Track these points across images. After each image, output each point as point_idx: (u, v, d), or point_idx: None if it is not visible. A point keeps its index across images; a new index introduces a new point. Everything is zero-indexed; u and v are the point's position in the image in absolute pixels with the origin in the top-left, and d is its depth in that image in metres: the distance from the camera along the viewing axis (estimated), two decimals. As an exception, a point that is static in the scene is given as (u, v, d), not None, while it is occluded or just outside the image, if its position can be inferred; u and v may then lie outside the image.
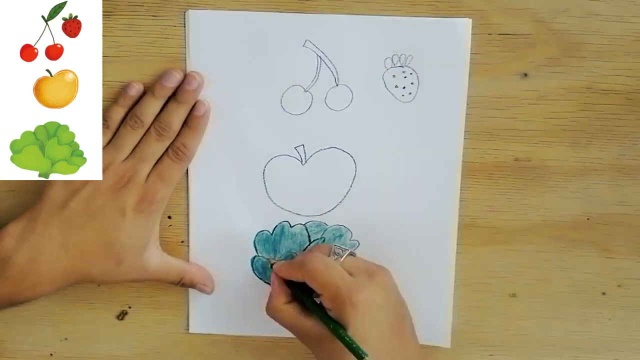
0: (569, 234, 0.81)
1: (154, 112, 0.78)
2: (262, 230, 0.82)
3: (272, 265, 0.81)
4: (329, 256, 0.77)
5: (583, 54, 0.77)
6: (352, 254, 0.78)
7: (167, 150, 0.78)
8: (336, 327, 0.72)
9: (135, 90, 0.78)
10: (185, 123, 0.78)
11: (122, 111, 0.78)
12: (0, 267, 0.76)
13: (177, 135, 0.78)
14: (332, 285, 0.74)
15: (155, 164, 0.78)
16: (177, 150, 0.78)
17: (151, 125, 0.77)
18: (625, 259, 0.81)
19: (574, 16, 0.76)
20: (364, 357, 0.69)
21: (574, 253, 0.81)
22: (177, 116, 0.77)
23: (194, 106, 0.78)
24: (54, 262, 0.77)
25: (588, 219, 0.80)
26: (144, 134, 0.78)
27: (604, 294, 0.82)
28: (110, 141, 0.78)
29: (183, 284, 0.82)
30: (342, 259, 0.76)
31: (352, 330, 0.71)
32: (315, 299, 0.76)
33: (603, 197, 0.80)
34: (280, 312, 0.78)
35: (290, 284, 0.78)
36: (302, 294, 0.77)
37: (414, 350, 0.76)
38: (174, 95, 0.78)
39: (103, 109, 0.77)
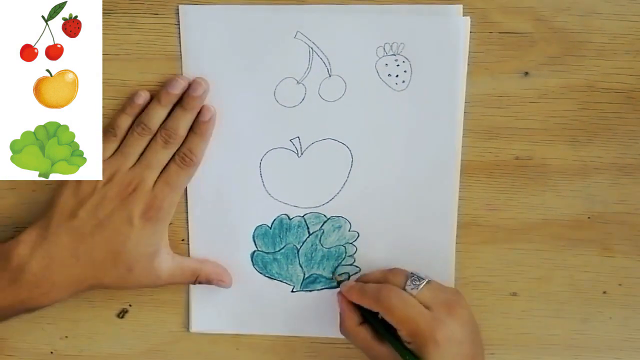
0: (569, 232, 0.81)
1: (160, 119, 0.78)
2: (260, 224, 0.82)
3: (338, 282, 0.81)
4: (405, 283, 0.76)
5: (584, 53, 0.77)
6: (429, 282, 0.77)
7: (173, 156, 0.78)
8: None
9: (143, 98, 0.78)
10: (191, 129, 0.78)
11: (129, 119, 0.78)
12: (15, 274, 0.76)
13: (184, 141, 0.78)
14: (411, 322, 0.73)
15: (163, 170, 0.78)
16: (183, 156, 0.78)
17: (157, 132, 0.77)
18: (626, 258, 0.81)
19: (575, 15, 0.76)
20: None
21: (574, 252, 0.81)
22: (183, 122, 0.77)
23: (200, 112, 0.78)
24: (66, 269, 0.77)
25: (589, 217, 0.80)
26: (151, 141, 0.78)
27: (604, 293, 0.82)
28: (117, 149, 0.78)
29: (200, 282, 0.82)
30: (418, 290, 0.76)
31: None
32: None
33: (604, 196, 0.80)
34: (354, 334, 0.78)
35: (358, 305, 0.78)
36: (377, 323, 0.77)
37: None
38: (179, 102, 0.78)
39: (109, 115, 0.78)
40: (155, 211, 0.78)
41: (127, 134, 0.78)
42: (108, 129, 0.78)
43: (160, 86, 0.78)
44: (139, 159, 0.78)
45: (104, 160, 0.77)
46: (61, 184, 0.78)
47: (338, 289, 0.81)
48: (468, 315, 0.76)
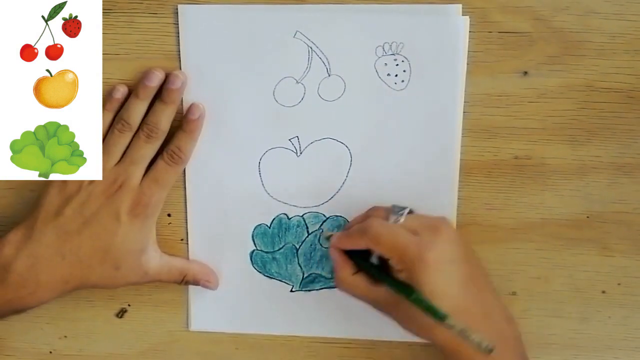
0: (568, 232, 0.81)
1: (141, 114, 0.78)
2: (260, 224, 0.82)
3: (327, 237, 0.80)
4: (387, 218, 0.76)
5: (583, 52, 0.77)
6: (411, 212, 0.77)
7: (162, 153, 0.78)
8: (410, 293, 0.71)
9: (121, 92, 0.78)
10: (180, 127, 0.78)
11: (109, 115, 0.78)
12: (0, 274, 0.76)
13: (173, 138, 0.78)
14: (399, 247, 0.72)
15: (151, 167, 0.78)
16: (172, 153, 0.78)
17: (139, 127, 0.77)
18: (624, 258, 0.81)
19: (574, 14, 0.76)
20: (444, 319, 0.69)
21: (573, 251, 0.81)
22: (164, 116, 0.77)
23: (188, 109, 0.78)
24: (52, 268, 0.77)
25: (587, 217, 0.80)
26: (134, 137, 0.78)
27: (603, 292, 0.82)
28: None
29: (187, 282, 0.82)
30: (402, 219, 0.75)
31: (428, 288, 0.71)
32: (373, 261, 0.76)
33: (602, 196, 0.80)
34: (349, 284, 0.77)
35: (350, 255, 0.77)
36: (367, 265, 0.76)
37: (491, 302, 0.76)
38: (159, 96, 0.78)
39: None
40: (143, 207, 0.78)
41: (108, 130, 0.78)
42: None
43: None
44: (123, 155, 0.78)
45: None
46: (47, 183, 0.78)
47: (335, 288, 0.82)
48: (456, 235, 0.75)
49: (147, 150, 0.78)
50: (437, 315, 0.69)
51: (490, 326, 0.74)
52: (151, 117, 0.77)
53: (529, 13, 0.76)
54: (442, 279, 0.72)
